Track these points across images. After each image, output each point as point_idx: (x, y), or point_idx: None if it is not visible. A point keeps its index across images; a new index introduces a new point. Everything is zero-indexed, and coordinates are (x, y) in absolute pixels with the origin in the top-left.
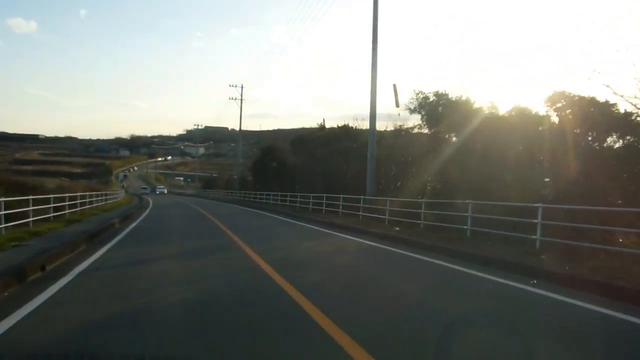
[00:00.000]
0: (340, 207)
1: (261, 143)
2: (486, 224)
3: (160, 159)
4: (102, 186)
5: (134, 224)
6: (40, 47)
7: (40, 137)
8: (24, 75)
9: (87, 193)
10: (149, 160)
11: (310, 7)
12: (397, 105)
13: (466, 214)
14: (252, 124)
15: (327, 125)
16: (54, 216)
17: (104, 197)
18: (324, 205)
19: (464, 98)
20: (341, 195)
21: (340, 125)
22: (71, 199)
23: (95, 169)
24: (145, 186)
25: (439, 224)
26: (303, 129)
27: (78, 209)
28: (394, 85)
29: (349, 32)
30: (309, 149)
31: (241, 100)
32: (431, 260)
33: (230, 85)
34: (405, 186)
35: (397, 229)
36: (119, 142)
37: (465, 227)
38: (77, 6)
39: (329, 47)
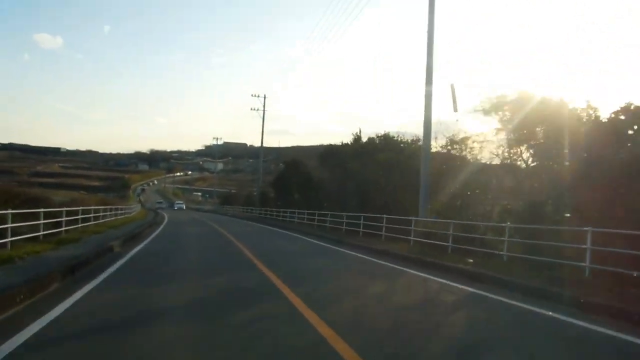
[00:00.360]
0: (384, 229)
1: (280, 159)
2: (614, 260)
3: (178, 173)
4: (118, 200)
5: (140, 246)
6: (64, 62)
7: (61, 150)
8: (48, 89)
9: (93, 207)
10: (167, 175)
11: (329, 25)
12: (455, 110)
13: (584, 246)
14: (270, 140)
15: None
16: (47, 234)
17: (114, 212)
18: (361, 227)
19: (554, 98)
20: (384, 216)
21: (379, 135)
22: (70, 213)
23: (113, 182)
24: (161, 200)
25: (529, 256)
26: (322, 146)
27: (79, 225)
28: (452, 86)
29: (368, 49)
30: (341, 163)
31: (264, 110)
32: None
33: (252, 95)
34: (466, 206)
35: (471, 260)
36: (138, 157)
37: (582, 263)
38: (101, 22)
39: (348, 64)
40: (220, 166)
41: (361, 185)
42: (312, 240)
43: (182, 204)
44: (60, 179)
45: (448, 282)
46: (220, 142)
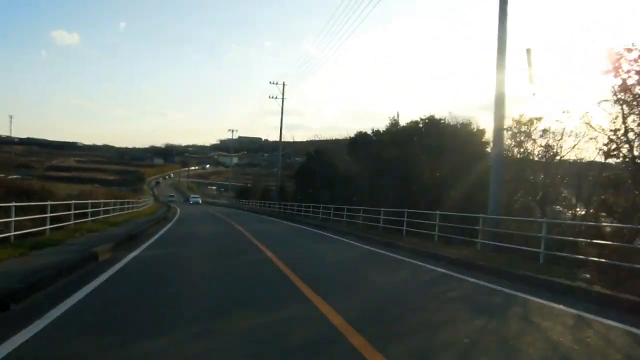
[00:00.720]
0: (436, 228)
1: (295, 154)
2: None
3: (193, 167)
4: (131, 194)
5: (134, 253)
6: (81, 58)
7: (78, 144)
8: (65, 85)
9: (91, 201)
10: (183, 169)
11: (343, 20)
12: (532, 81)
13: None
14: (285, 135)
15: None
16: (26, 234)
17: (121, 206)
18: (404, 225)
19: None
20: (437, 212)
21: (423, 117)
22: (59, 209)
23: (128, 176)
24: (172, 194)
25: None
26: (337, 141)
27: (71, 222)
28: (528, 51)
29: (381, 44)
30: (374, 152)
31: (282, 98)
32: None
33: (270, 83)
34: (549, 202)
35: (587, 276)
36: (153, 151)
37: None
38: (117, 19)
39: (361, 59)
40: (235, 160)
41: (401, 177)
42: (349, 241)
43: (197, 198)
44: (76, 173)
45: (593, 317)
46: (235, 136)
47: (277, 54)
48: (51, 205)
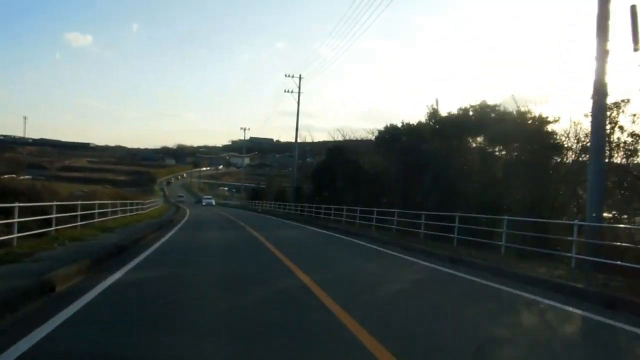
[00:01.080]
0: (503, 237)
1: (310, 154)
2: None
3: (205, 168)
4: (140, 194)
5: (114, 277)
6: (94, 59)
7: (91, 145)
8: (79, 86)
9: (79, 203)
10: (194, 170)
11: (354, 20)
12: (637, 47)
13: None
14: (299, 135)
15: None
16: None
17: (123, 208)
18: (455, 232)
19: None
20: (505, 217)
21: (473, 105)
22: (49, 211)
23: (139, 177)
24: (182, 194)
25: None
26: (349, 141)
27: (59, 227)
28: (632, 8)
29: (391, 46)
30: (409, 146)
31: (299, 92)
32: None
33: (286, 76)
34: None
35: None
36: (165, 152)
37: None
38: (130, 21)
39: (372, 59)
40: (247, 161)
41: (443, 174)
42: (402, 255)
43: (211, 199)
44: (87, 174)
45: None
46: (246, 137)
47: (288, 56)
48: (35, 207)
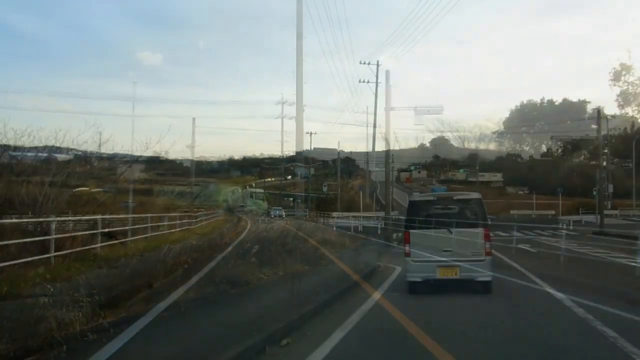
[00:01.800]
0: None
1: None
2: None
3: (270, 179)
4: (203, 205)
5: None
6: (164, 77)
7: (161, 158)
8: (150, 102)
9: (98, 217)
10: (259, 180)
11: (421, 21)
12: None
13: None
14: (359, 146)
15: None
16: None
17: (161, 223)
18: None
19: None
20: None
21: None
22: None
23: (204, 188)
24: (243, 204)
25: None
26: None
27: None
28: None
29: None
30: None
31: (376, 83)
32: None
33: (361, 63)
34: None
35: None
36: (230, 163)
37: None
38: (196, 38)
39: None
40: (312, 171)
41: None
42: None
43: (280, 210)
44: (153, 185)
45: None
46: (312, 145)
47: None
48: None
